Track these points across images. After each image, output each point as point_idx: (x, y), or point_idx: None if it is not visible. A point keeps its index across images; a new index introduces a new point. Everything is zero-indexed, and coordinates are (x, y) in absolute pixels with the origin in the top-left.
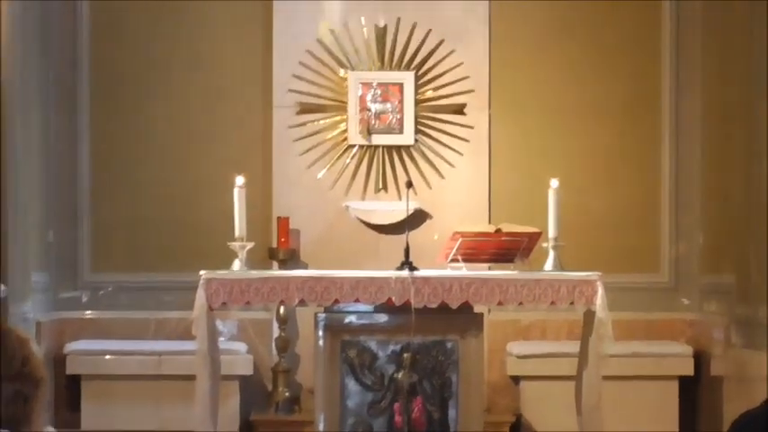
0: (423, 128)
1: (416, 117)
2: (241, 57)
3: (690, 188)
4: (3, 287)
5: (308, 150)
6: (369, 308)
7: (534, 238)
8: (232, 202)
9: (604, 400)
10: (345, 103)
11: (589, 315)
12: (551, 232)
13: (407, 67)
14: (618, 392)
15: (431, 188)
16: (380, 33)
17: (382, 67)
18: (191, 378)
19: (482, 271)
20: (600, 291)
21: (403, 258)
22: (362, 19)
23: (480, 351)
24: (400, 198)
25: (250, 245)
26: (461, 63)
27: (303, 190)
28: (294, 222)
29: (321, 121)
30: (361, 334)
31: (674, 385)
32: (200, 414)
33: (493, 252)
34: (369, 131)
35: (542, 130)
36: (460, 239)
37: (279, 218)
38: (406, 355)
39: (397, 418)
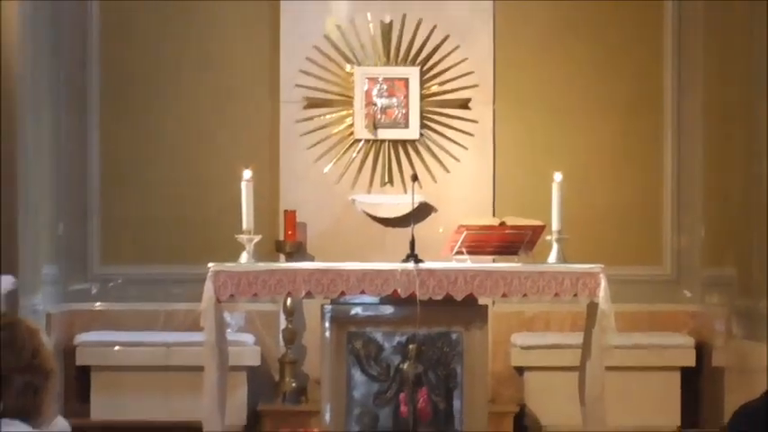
0: (428, 122)
1: (422, 112)
2: (249, 53)
3: (691, 183)
4: (13, 280)
5: (314, 144)
6: (375, 300)
7: (538, 231)
8: (240, 196)
9: (607, 390)
10: (352, 97)
11: (592, 307)
12: (555, 225)
13: (413, 63)
14: (621, 383)
15: (436, 182)
16: (386, 29)
17: (388, 63)
18: (199, 369)
19: (486, 263)
20: (603, 283)
21: (408, 251)
22: (369, 15)
23: (485, 342)
24: (406, 192)
25: (257, 238)
26: (466, 59)
27: (310, 184)
28: (301, 215)
29: (328, 116)
30: (367, 325)
31: (676, 376)
32: (208, 404)
33: (497, 245)
34: (375, 126)
35: (546, 125)
36: (465, 232)
37: (286, 211)
38: (411, 346)
39: (403, 409)
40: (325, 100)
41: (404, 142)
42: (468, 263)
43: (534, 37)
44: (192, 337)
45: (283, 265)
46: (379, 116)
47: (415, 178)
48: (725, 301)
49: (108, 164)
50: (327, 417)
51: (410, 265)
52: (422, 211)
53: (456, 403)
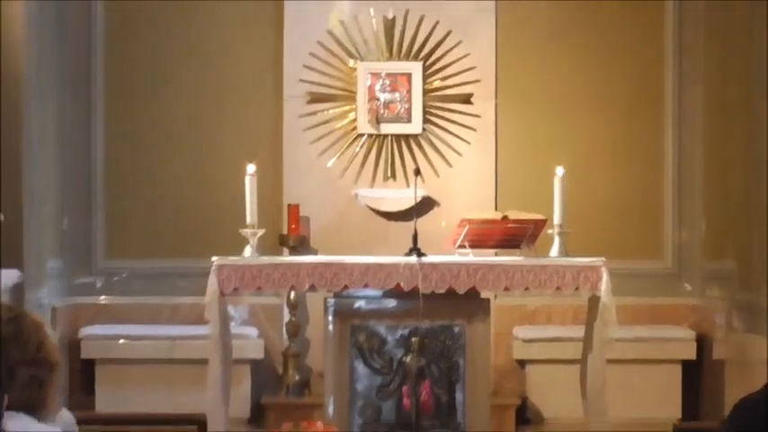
0: (430, 117)
1: (424, 106)
2: (252, 49)
3: (692, 177)
4: (18, 273)
5: (318, 139)
6: (378, 293)
7: (540, 224)
8: (244, 190)
9: (608, 383)
10: (355, 92)
11: (594, 300)
12: (557, 219)
13: (415, 58)
14: (622, 376)
15: (438, 176)
16: (389, 25)
17: (391, 58)
18: (203, 362)
19: (489, 257)
20: (604, 276)
21: (411, 245)
22: (371, 11)
23: (487, 335)
24: (408, 186)
25: (261, 232)
26: (468, 54)
27: (313, 178)
28: (304, 209)
29: (331, 111)
30: (371, 319)
31: (677, 369)
32: (213, 397)
33: (499, 238)
34: (377, 120)
35: (548, 120)
36: (468, 226)
37: (289, 205)
38: (414, 339)
39: (406, 401)
40: (328, 95)
41: (406, 137)
42: (470, 256)
43: (536, 33)
44: (196, 331)
45: (287, 258)
46: (381, 111)
47: (417, 173)
48: (725, 295)
49: (112, 159)
50: (330, 409)
51: (413, 259)
52: (424, 206)
53: (458, 396)
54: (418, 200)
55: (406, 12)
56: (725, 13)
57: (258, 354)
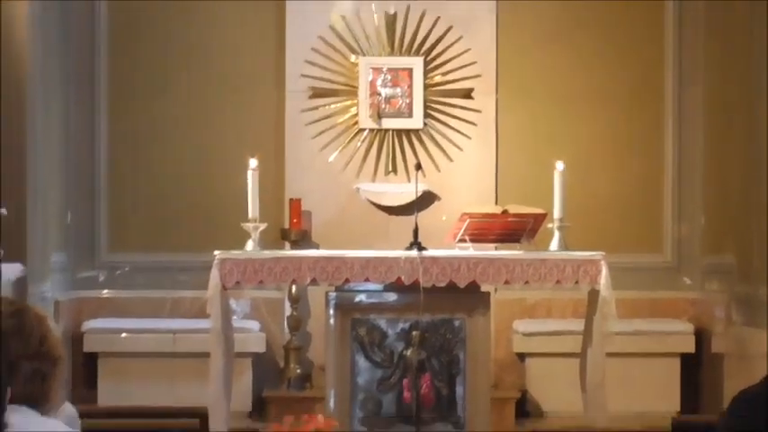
0: (431, 112)
1: (425, 101)
2: (255, 44)
3: (692, 171)
4: (21, 267)
5: (319, 134)
6: (378, 287)
7: (540, 219)
8: (246, 185)
9: (608, 376)
10: (356, 87)
11: (593, 294)
12: (557, 213)
13: (416, 53)
14: (621, 369)
15: (439, 171)
16: (390, 20)
17: (392, 53)
18: (205, 356)
19: (489, 251)
20: (604, 270)
21: (412, 239)
22: (373, 6)
23: (487, 329)
24: (409, 180)
25: (263, 226)
26: (469, 49)
27: (315, 172)
28: (306, 204)
29: (332, 106)
30: (371, 312)
31: (676, 362)
32: (214, 391)
33: (500, 232)
34: (379, 115)
35: (548, 114)
36: (468, 220)
37: (291, 199)
38: (414, 332)
39: (406, 395)
40: (330, 90)
41: (408, 131)
42: (470, 250)
43: (537, 29)
44: (198, 324)
45: (289, 252)
46: (383, 106)
47: (418, 167)
48: (725, 288)
49: (115, 154)
50: (332, 403)
51: (414, 253)
52: (425, 200)
53: (458, 389)
54: (419, 194)
55: (408, 7)
56: (725, 11)
57: (260, 347)
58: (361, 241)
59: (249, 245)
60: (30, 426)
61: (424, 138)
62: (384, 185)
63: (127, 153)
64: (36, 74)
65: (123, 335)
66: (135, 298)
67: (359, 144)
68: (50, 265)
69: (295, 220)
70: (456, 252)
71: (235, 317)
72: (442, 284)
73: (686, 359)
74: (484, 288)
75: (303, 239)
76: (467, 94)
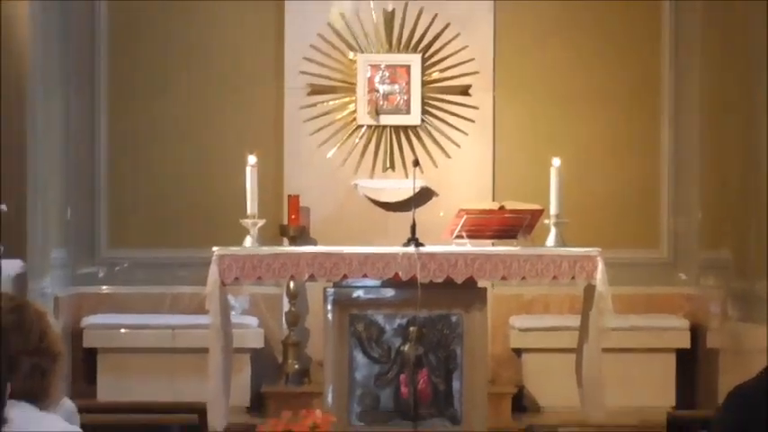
0: (429, 108)
1: (423, 98)
2: (254, 40)
3: (688, 167)
4: (21, 264)
5: (318, 130)
6: (376, 283)
7: (536, 215)
8: (245, 181)
9: (604, 371)
10: (354, 84)
11: (590, 289)
12: (553, 209)
13: (414, 50)
14: (617, 365)
15: (437, 167)
16: (389, 17)
17: (390, 50)
18: (204, 351)
19: (486, 247)
20: (600, 266)
21: (410, 235)
22: (371, 3)
23: (484, 325)
24: (407, 177)
25: (262, 222)
26: (467, 46)
27: (313, 169)
28: (304, 200)
29: (331, 102)
30: (369, 308)
31: (672, 358)
32: (213, 386)
33: (496, 228)
34: (377, 112)
35: (545, 111)
36: (465, 216)
37: (289, 196)
38: (412, 328)
39: (404, 390)
40: (328, 87)
41: (405, 128)
42: (467, 246)
43: (534, 25)
44: (197, 320)
45: (287, 248)
46: (381, 102)
47: (416, 164)
48: (721, 284)
49: (115, 151)
50: (330, 398)
51: (411, 249)
52: (423, 196)
53: (456, 384)
54: (417, 190)
55: (406, 4)
56: (722, 10)
57: (258, 343)
58: (359, 237)
59: (248, 241)
60: (29, 421)
61: (422, 134)
62: (382, 182)
63: (126, 150)
64: (36, 73)
65: (122, 330)
66: (134, 294)
67: (357, 140)
68: (50, 261)
69: (293, 217)
70: (453, 248)
71: (233, 312)
72: (440, 280)
73: (682, 354)
74: (481, 284)
75: (301, 235)
76: (464, 91)
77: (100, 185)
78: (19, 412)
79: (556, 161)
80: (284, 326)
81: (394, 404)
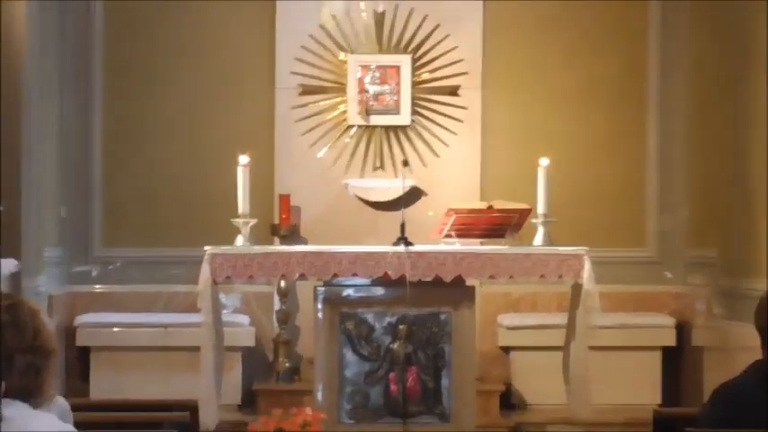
0: (419, 108)
1: (413, 98)
2: (246, 41)
3: (675, 166)
4: (16, 263)
5: (309, 130)
6: (366, 281)
7: (524, 214)
8: (236, 180)
9: (591, 369)
10: (345, 84)
11: (577, 288)
12: (541, 209)
13: (404, 51)
14: (604, 362)
15: (426, 166)
16: (379, 18)
17: (380, 51)
18: (196, 349)
19: (474, 246)
20: (587, 265)
21: (399, 234)
22: (362, 4)
23: (472, 323)
24: (397, 176)
25: (253, 221)
26: (456, 47)
27: (304, 168)
28: (295, 199)
29: (322, 103)
30: (359, 306)
31: (658, 355)
32: (205, 384)
33: (485, 228)
34: (367, 112)
35: (533, 110)
36: (454, 216)
37: (281, 195)
38: (401, 326)
39: (393, 388)
40: (319, 87)
41: (395, 128)
42: (456, 245)
43: (522, 26)
44: (189, 319)
45: (278, 247)
46: (371, 103)
47: (405, 164)
48: (707, 282)
49: (109, 149)
50: (320, 395)
51: (401, 248)
52: (412, 195)
53: (444, 382)
54: (406, 190)
55: (396, 5)
56: (708, 8)
57: (249, 341)
58: (349, 236)
59: (239, 240)
60: (25, 420)
61: (411, 134)
62: (372, 181)
63: (121, 149)
64: (33, 72)
65: (115, 329)
66: (127, 292)
67: (347, 140)
68: (45, 259)
69: (284, 216)
70: (442, 247)
71: (225, 311)
72: (429, 279)
73: (668, 352)
74: (469, 282)
75: (292, 234)
76: (453, 91)
77: (94, 185)
78: (14, 411)
79: (543, 161)
80: (275, 324)
81: (383, 402)
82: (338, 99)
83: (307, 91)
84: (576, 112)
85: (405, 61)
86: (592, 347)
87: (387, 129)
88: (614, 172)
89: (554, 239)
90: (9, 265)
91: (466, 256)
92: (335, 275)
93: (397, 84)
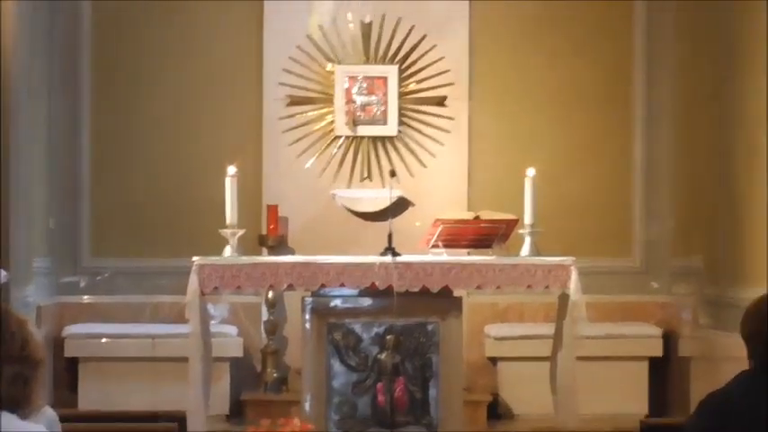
0: (406, 119)
1: (400, 109)
2: (233, 51)
3: (660, 176)
4: (5, 273)
5: (296, 141)
6: (354, 292)
7: (511, 224)
8: (224, 191)
9: (578, 379)
10: (332, 95)
11: (564, 298)
12: (527, 219)
13: (391, 62)
14: (591, 372)
15: (413, 177)
16: (366, 29)
17: (368, 62)
18: (184, 360)
19: (462, 256)
20: (574, 275)
21: (386, 244)
22: (349, 15)
23: (460, 333)
24: (384, 186)
25: (241, 232)
26: (443, 57)
27: (292, 179)
28: (283, 210)
29: (309, 113)
30: (347, 317)
31: (644, 365)
32: (193, 394)
33: (472, 238)
34: (354, 123)
35: (519, 121)
36: (441, 226)
37: (268, 206)
38: (389, 336)
39: (381, 398)
40: (307, 98)
41: (382, 138)
42: (443, 256)
43: (509, 36)
44: (177, 329)
45: (266, 258)
46: (358, 113)
47: (393, 174)
48: (693, 291)
49: (97, 161)
50: (308, 406)
51: (388, 259)
52: (399, 206)
53: (432, 392)
54: (393, 200)
55: (383, 16)
56: (693, 11)
57: (237, 351)
58: (336, 247)
59: (227, 250)
60: (12, 429)
61: (399, 144)
62: (359, 192)
63: (108, 161)
64: (21, 75)
65: (103, 340)
66: (115, 303)
67: (335, 151)
68: (33, 270)
69: (272, 226)
70: (429, 257)
71: (213, 321)
72: (416, 289)
73: (654, 362)
74: (457, 293)
75: (280, 245)
76: (440, 101)
77: (82, 195)
78: (2, 421)
79: (530, 171)
80: (263, 335)
81: (371, 412)
82: (325, 110)
83: (294, 101)
84: (561, 124)
85: (392, 72)
86: (579, 357)
87: (374, 139)
88: (600, 182)
89: (541, 250)
90: None
91: (453, 266)
92: (323, 286)
93: (385, 94)
